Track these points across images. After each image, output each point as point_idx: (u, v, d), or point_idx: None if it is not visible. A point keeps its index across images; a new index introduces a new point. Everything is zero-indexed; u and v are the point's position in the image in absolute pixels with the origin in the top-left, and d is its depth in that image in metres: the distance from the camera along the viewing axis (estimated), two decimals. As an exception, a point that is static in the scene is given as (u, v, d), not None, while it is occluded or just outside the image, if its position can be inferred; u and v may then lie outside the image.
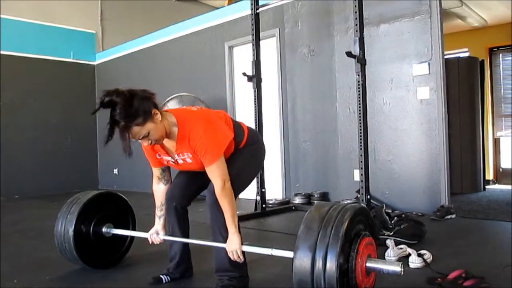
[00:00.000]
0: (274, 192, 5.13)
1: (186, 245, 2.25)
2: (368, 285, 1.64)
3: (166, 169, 2.21)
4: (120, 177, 7.39)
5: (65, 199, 2.58)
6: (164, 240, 2.24)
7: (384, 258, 2.45)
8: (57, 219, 2.42)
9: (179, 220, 2.20)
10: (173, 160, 2.07)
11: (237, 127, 2.13)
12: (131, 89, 1.87)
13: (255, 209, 4.27)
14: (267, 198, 4.37)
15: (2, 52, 6.67)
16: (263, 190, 4.26)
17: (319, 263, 1.50)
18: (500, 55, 6.61)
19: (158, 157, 2.11)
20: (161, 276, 2.21)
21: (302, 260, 1.54)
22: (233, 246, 1.94)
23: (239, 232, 1.98)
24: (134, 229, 2.65)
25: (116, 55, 7.55)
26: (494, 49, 6.62)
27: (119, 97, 1.79)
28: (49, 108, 7.25)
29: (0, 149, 6.57)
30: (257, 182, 4.26)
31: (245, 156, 2.11)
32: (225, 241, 1.97)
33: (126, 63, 7.40)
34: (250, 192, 4.84)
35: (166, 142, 2.02)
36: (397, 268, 1.57)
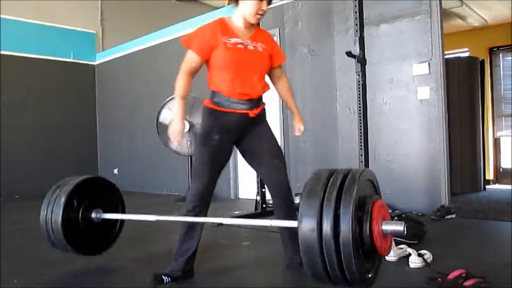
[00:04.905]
0: (274, 192, 5.11)
1: (198, 242, 2.22)
2: (387, 247, 1.60)
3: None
4: (120, 177, 7.37)
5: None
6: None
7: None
8: (42, 208, 2.36)
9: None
10: (242, 43, 2.16)
11: None
12: None
13: (255, 209, 4.27)
14: (267, 198, 4.37)
15: (2, 52, 6.67)
16: (263, 190, 4.26)
17: (327, 231, 1.41)
18: (500, 55, 6.62)
19: (224, 39, 2.12)
20: (162, 276, 2.18)
21: (307, 230, 1.45)
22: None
23: None
24: (123, 212, 2.61)
25: (116, 55, 7.55)
26: (494, 49, 6.63)
27: None
28: (49, 108, 7.25)
29: (0, 149, 6.57)
30: (257, 182, 4.26)
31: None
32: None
33: (126, 63, 7.40)
34: (250, 192, 4.86)
35: (238, 30, 2.19)
36: (400, 227, 1.53)
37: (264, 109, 2.31)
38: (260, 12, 2.17)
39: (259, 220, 1.95)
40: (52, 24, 7.31)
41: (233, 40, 2.15)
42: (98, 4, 7.89)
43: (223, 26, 2.17)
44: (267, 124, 2.35)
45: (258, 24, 2.35)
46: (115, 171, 7.51)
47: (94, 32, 7.88)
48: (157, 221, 2.22)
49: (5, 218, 4.52)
